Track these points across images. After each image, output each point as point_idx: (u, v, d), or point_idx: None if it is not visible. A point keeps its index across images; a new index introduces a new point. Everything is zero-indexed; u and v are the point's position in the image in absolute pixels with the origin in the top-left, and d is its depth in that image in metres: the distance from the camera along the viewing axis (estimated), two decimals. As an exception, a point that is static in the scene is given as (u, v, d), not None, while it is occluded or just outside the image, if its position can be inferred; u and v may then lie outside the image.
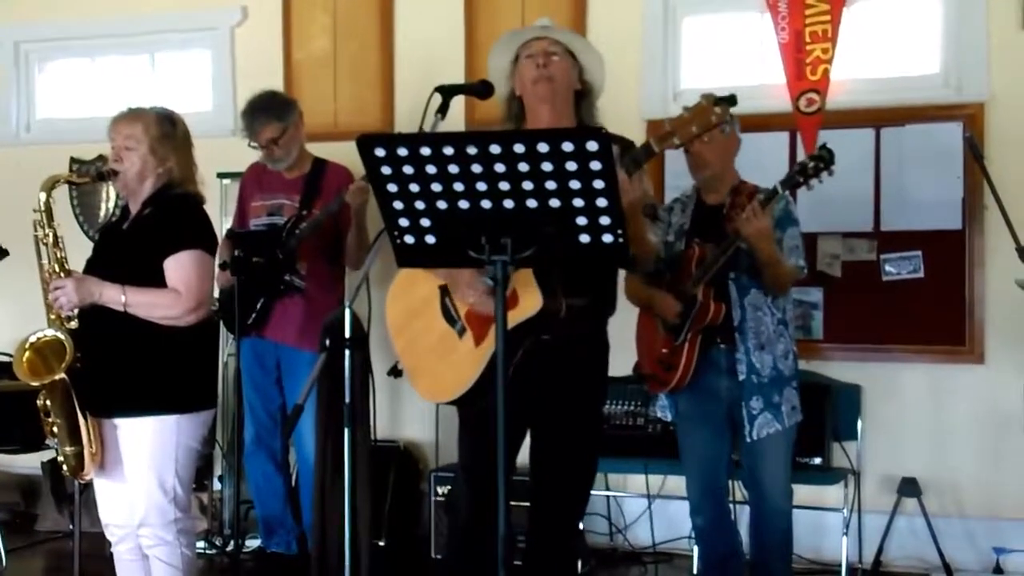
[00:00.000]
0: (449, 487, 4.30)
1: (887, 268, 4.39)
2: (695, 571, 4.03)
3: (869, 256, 4.38)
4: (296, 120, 4.30)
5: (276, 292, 4.19)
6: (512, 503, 2.90)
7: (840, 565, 4.13)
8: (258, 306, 4.19)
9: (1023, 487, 3.63)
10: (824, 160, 3.26)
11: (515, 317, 2.58)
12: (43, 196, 3.06)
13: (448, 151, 2.07)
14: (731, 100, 2.59)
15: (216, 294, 3.76)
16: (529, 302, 2.60)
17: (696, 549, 3.91)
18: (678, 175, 4.49)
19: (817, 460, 4.22)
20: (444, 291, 2.77)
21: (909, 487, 4.25)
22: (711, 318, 3.36)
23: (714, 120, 2.57)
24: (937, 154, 4.33)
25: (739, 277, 3.40)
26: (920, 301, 4.34)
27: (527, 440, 2.96)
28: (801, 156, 4.27)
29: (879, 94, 4.46)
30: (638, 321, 3.61)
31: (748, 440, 3.40)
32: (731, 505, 3.66)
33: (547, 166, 2.04)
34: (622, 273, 2.97)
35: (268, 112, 4.23)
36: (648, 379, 3.56)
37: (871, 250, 4.39)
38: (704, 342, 3.40)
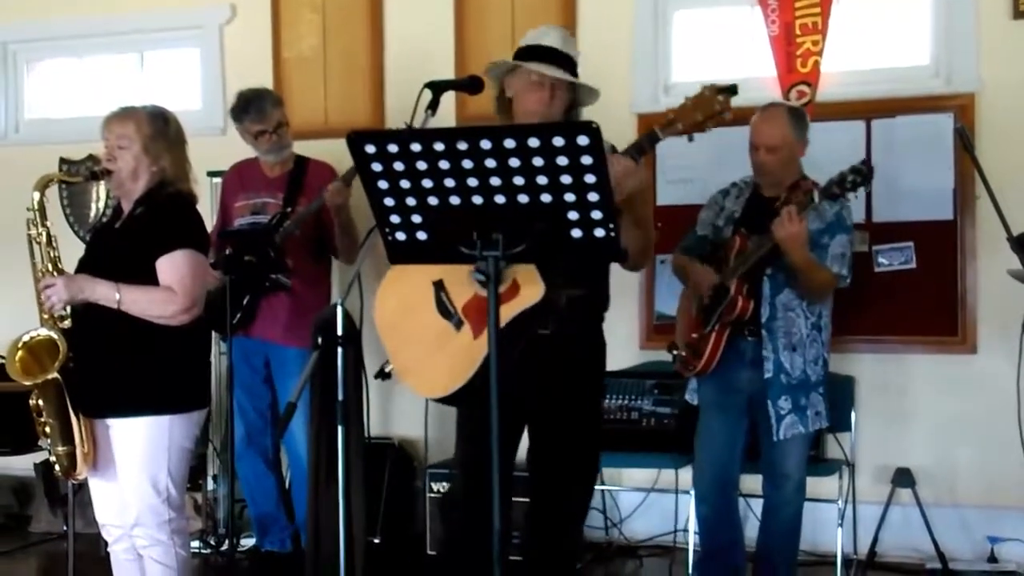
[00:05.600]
0: (445, 483, 4.30)
1: (880, 259, 4.40)
2: (692, 561, 4.03)
3: (861, 247, 4.37)
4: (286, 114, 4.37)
5: (263, 289, 4.18)
6: (513, 499, 2.90)
7: (835, 556, 4.13)
8: (244, 304, 4.18)
9: (1016, 476, 3.63)
10: (862, 174, 3.26)
11: (516, 306, 2.59)
12: (36, 195, 3.05)
13: (439, 147, 2.07)
14: (732, 89, 2.63)
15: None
16: (530, 291, 2.60)
17: (695, 539, 3.92)
18: (675, 169, 4.53)
19: (811, 452, 4.22)
20: (439, 286, 2.76)
21: (903, 477, 4.26)
22: (738, 313, 3.38)
23: (718, 108, 2.61)
24: (928, 145, 4.33)
25: (775, 275, 3.41)
26: (913, 292, 4.35)
27: (525, 437, 2.95)
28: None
29: (869, 86, 4.46)
30: (680, 300, 3.67)
31: (774, 439, 3.42)
32: (738, 498, 3.69)
33: (538, 161, 2.04)
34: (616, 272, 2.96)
35: (274, 98, 4.33)
36: (677, 360, 3.59)
37: (863, 241, 4.38)
38: (732, 333, 3.42)
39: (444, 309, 2.74)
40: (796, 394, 3.42)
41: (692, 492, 3.72)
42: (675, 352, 3.63)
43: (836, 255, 3.43)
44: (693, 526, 3.92)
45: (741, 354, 3.46)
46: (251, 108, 4.24)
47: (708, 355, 3.44)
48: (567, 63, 2.89)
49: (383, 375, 2.83)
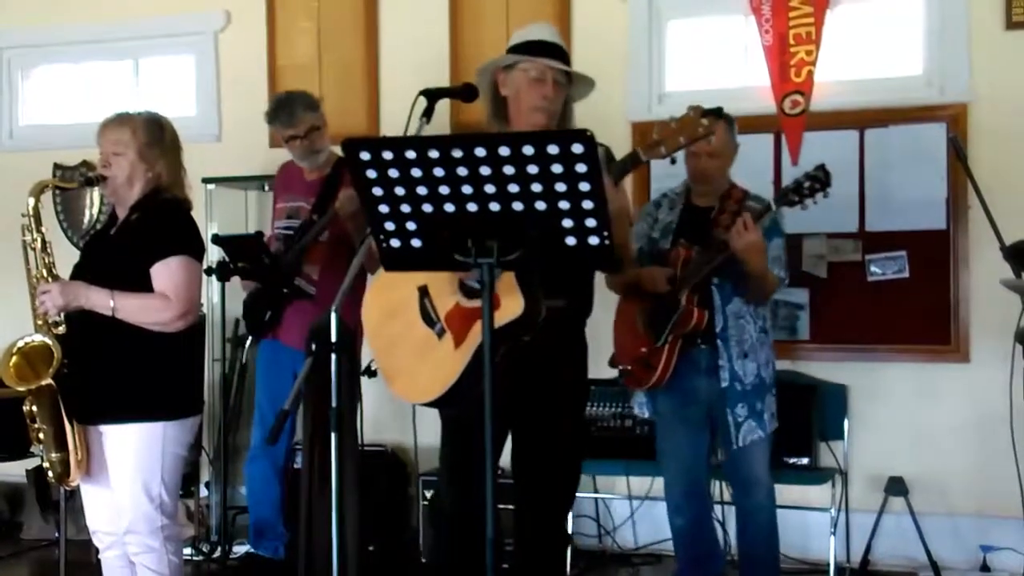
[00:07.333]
0: (433, 491, 4.30)
1: (872, 268, 4.41)
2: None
3: (854, 256, 4.40)
4: (324, 116, 4.26)
5: (282, 297, 4.14)
6: (498, 506, 2.89)
7: (828, 564, 4.13)
8: (268, 312, 4.14)
9: (1009, 485, 3.63)
10: (820, 180, 3.26)
11: (496, 320, 2.58)
12: (31, 201, 3.05)
13: (433, 154, 2.07)
14: (718, 112, 2.63)
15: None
16: (511, 305, 2.60)
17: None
18: (662, 178, 4.53)
19: (804, 460, 4.23)
20: (423, 292, 2.77)
21: (896, 486, 4.27)
22: (694, 325, 3.37)
23: (701, 131, 2.61)
24: (921, 155, 4.35)
25: (723, 284, 3.40)
26: (905, 301, 4.36)
27: (508, 443, 2.95)
28: (792, 169, 4.29)
29: (863, 95, 4.47)
30: (616, 315, 3.59)
31: (734, 447, 3.42)
32: (713, 505, 3.68)
33: (533, 168, 2.04)
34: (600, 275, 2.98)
35: (307, 101, 4.21)
36: (625, 375, 3.56)
37: (856, 250, 4.40)
38: (685, 343, 3.41)
39: (427, 316, 2.75)
40: (751, 399, 3.43)
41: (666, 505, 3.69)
42: (621, 367, 3.55)
43: (775, 258, 3.43)
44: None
45: (695, 363, 3.44)
46: (281, 113, 4.17)
47: (662, 368, 3.39)
48: (564, 57, 2.90)
49: (370, 372, 2.84)
